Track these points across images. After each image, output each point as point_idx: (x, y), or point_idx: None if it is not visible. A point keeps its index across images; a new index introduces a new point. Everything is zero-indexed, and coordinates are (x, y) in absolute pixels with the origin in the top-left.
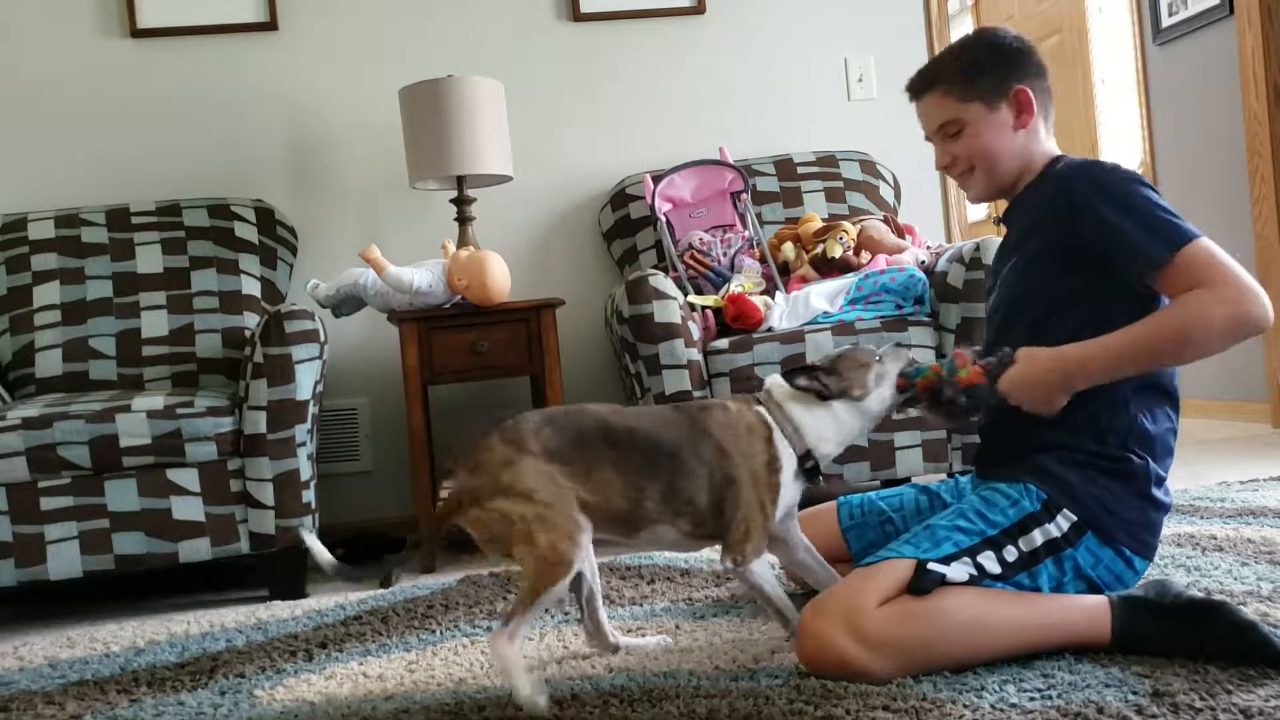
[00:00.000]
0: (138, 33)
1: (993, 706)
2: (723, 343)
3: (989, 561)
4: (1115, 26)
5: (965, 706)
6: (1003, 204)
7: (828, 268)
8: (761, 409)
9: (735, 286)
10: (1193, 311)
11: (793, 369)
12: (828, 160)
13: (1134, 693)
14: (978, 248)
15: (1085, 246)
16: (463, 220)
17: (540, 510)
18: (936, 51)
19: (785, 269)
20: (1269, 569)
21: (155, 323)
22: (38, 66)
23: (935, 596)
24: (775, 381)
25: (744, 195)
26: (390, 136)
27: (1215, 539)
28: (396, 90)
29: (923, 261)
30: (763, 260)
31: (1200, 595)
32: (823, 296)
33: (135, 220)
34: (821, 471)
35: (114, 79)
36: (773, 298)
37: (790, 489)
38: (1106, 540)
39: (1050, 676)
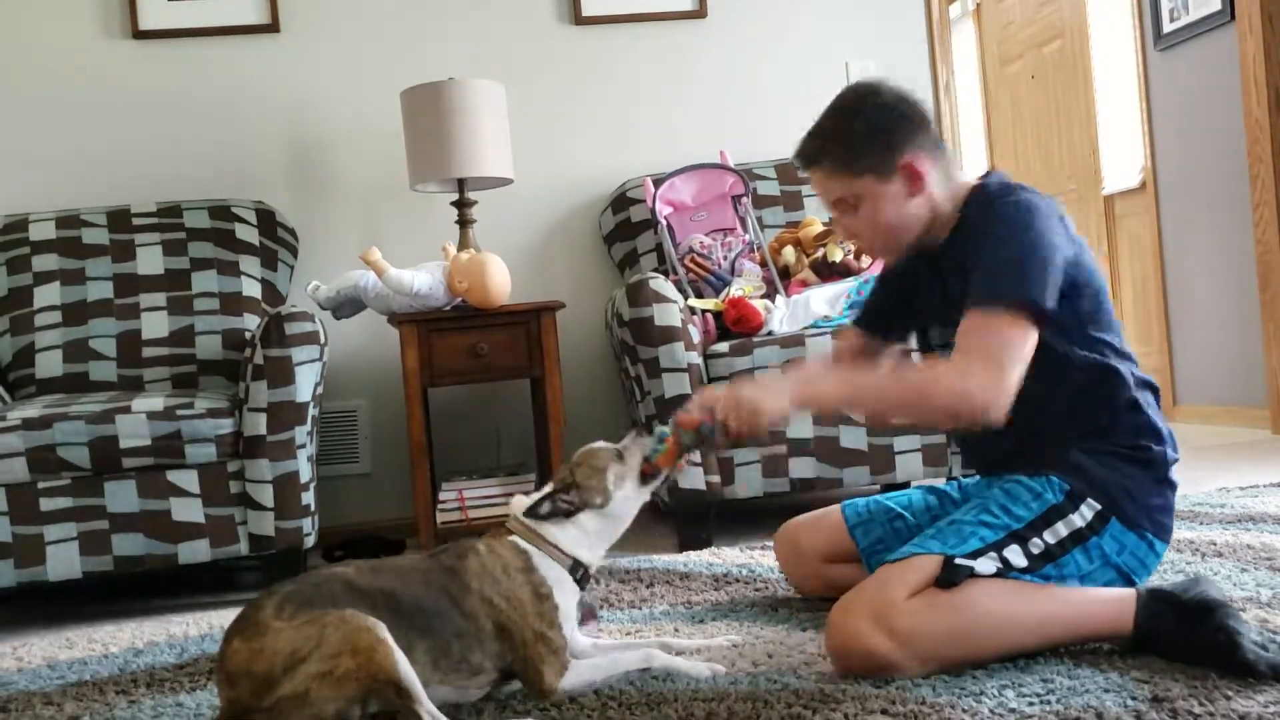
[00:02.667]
0: (140, 34)
1: (991, 711)
2: (723, 346)
3: (1015, 555)
4: (1116, 32)
5: (964, 711)
6: None
7: (828, 272)
8: (515, 539)
9: (736, 290)
10: (933, 381)
11: (534, 503)
12: None
13: (1133, 698)
14: None
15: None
16: (463, 223)
17: (317, 657)
18: (938, 56)
19: (786, 273)
20: (1269, 575)
21: (155, 324)
22: (40, 67)
23: (963, 590)
24: (521, 505)
25: (745, 199)
26: (391, 139)
27: (1215, 545)
28: (398, 92)
29: None
30: (763, 264)
31: (1213, 595)
32: (823, 300)
33: (136, 221)
34: (592, 576)
35: (116, 80)
36: (773, 301)
37: (568, 604)
38: (1130, 526)
39: (1049, 681)
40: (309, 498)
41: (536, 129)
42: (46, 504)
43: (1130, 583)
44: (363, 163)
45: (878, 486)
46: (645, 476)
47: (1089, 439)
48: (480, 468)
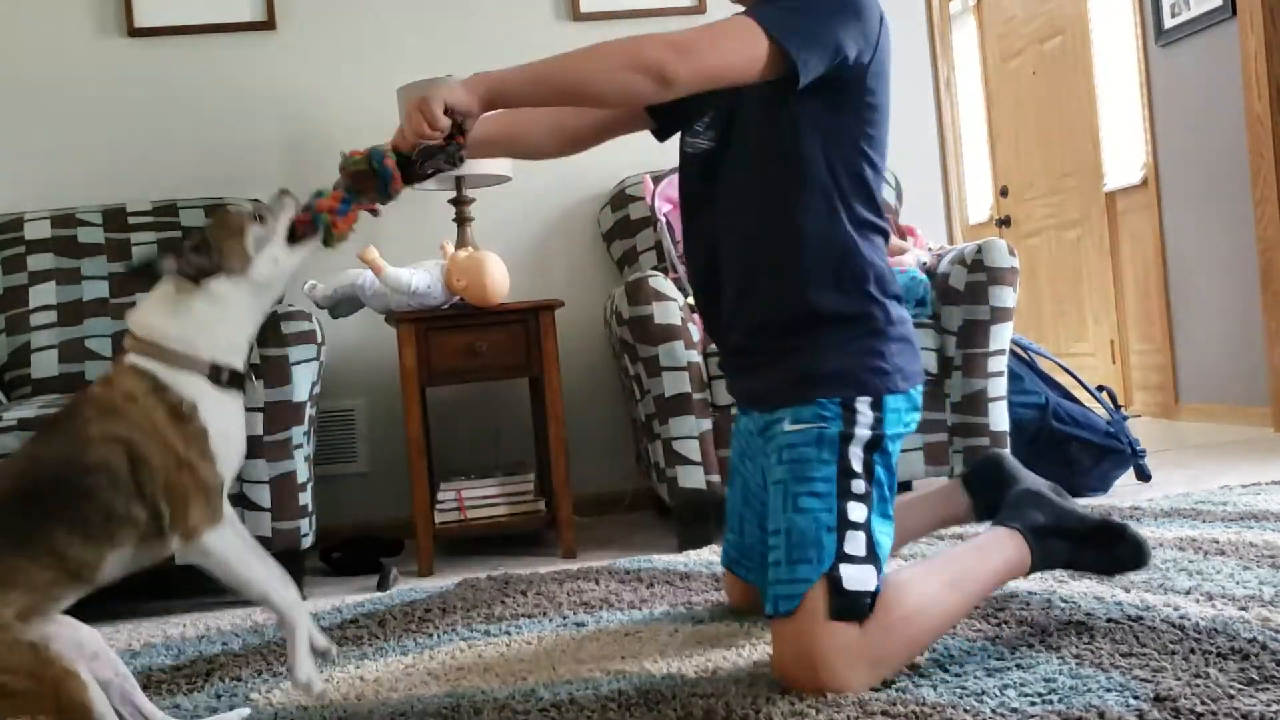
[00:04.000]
0: (135, 32)
1: (994, 711)
2: None
3: (857, 510)
4: (1118, 28)
5: (966, 711)
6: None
7: None
8: (132, 358)
9: None
10: (612, 41)
11: (157, 256)
12: None
13: (1135, 697)
14: (979, 250)
15: None
16: (461, 221)
17: None
18: (939, 52)
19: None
20: (1271, 573)
21: None
22: (35, 65)
23: (880, 606)
24: (134, 319)
25: None
26: (388, 135)
27: (1217, 543)
28: (395, 89)
29: (924, 263)
30: None
31: (1100, 517)
32: None
33: (132, 220)
34: (245, 375)
35: (111, 78)
36: None
37: (226, 418)
38: (899, 392)
39: (1051, 681)
40: (306, 498)
41: None
42: None
43: None
44: None
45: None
46: (297, 234)
47: (831, 323)
48: (479, 467)
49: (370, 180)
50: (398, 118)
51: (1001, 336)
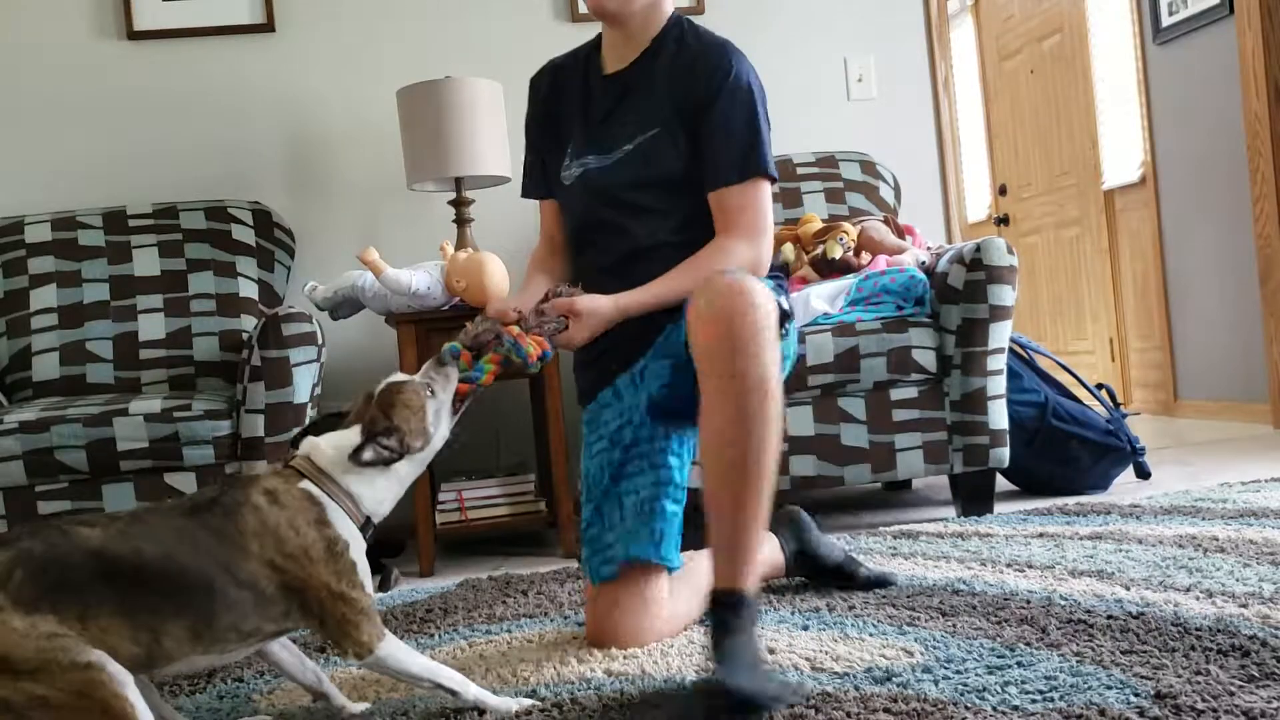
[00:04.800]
0: (135, 34)
1: (994, 709)
2: None
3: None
4: (1116, 26)
5: (967, 709)
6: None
7: (828, 269)
8: (307, 485)
9: None
10: (712, 262)
11: (354, 449)
12: (827, 161)
13: (1136, 694)
14: (979, 249)
15: (697, 133)
16: (461, 222)
17: (38, 683)
18: (937, 51)
19: (785, 270)
20: (1271, 570)
21: (152, 326)
22: (35, 68)
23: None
24: (316, 446)
25: None
26: (388, 138)
27: (1217, 540)
28: (394, 91)
29: (923, 262)
30: None
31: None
32: (823, 298)
33: (132, 223)
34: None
35: (111, 80)
36: None
37: (365, 566)
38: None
39: (1052, 679)
40: None
41: None
42: (44, 507)
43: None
44: (359, 162)
45: (879, 485)
46: (455, 405)
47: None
48: (479, 468)
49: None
50: (397, 119)
51: (1000, 335)
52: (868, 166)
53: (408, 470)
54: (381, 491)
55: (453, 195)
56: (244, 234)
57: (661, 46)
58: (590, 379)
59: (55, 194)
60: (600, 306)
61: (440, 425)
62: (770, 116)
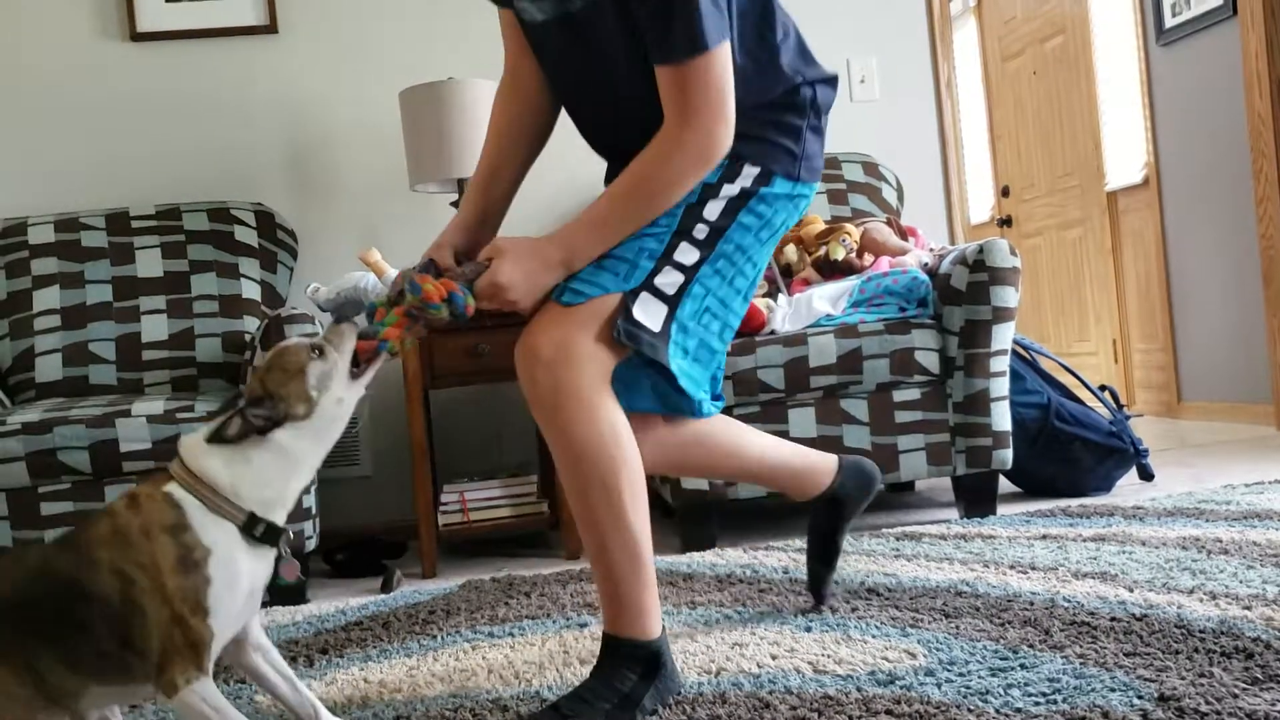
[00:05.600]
0: (138, 36)
1: (998, 711)
2: None
3: (685, 254)
4: (1118, 27)
5: (970, 711)
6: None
7: (830, 270)
8: (172, 488)
9: None
10: (659, 161)
11: (217, 423)
12: (830, 163)
13: (1139, 697)
14: (981, 250)
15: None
16: None
17: None
18: (939, 53)
19: (788, 271)
20: (1275, 572)
21: (155, 327)
22: (38, 70)
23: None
24: (186, 443)
25: None
26: (391, 139)
27: (1220, 542)
28: (397, 93)
29: (926, 264)
30: None
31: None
32: (825, 299)
33: (135, 224)
34: (283, 529)
35: (114, 82)
36: (775, 300)
37: (237, 573)
38: (789, 178)
39: (1055, 681)
40: (310, 500)
41: None
42: (47, 508)
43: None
44: (362, 164)
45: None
46: (359, 361)
47: (755, 107)
48: (481, 469)
49: (443, 320)
50: (400, 120)
51: (1003, 336)
52: (870, 168)
53: (296, 443)
54: (265, 473)
55: (455, 196)
56: (247, 235)
57: None
58: None
59: (58, 195)
60: (528, 241)
61: (330, 389)
62: None
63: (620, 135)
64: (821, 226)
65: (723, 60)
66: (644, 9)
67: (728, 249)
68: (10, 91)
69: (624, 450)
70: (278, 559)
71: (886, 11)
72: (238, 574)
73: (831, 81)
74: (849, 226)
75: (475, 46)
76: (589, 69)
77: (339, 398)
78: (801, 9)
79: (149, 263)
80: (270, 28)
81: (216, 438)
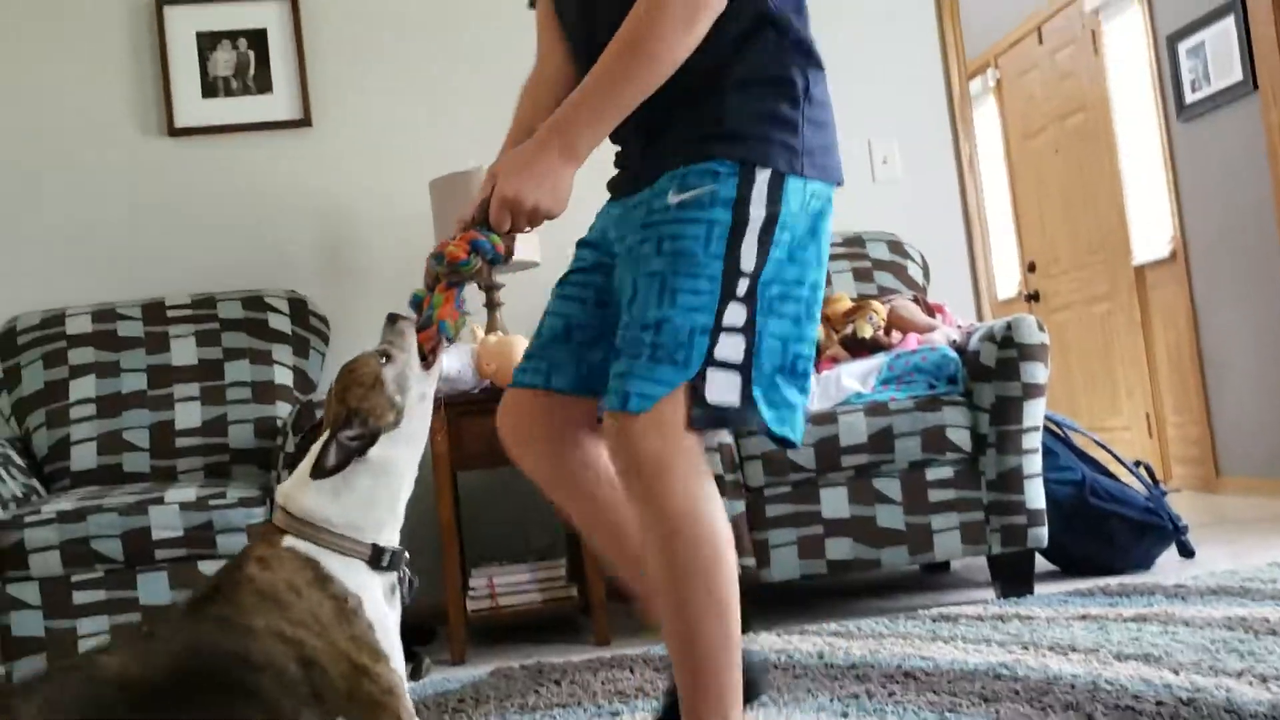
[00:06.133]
0: (175, 131)
1: None
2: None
3: (736, 316)
4: (1138, 104)
5: None
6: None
7: (858, 348)
8: (292, 541)
9: None
10: (641, 20)
11: (312, 459)
12: (855, 241)
13: None
14: (1009, 326)
15: None
16: (491, 306)
17: None
18: (960, 132)
19: (815, 349)
20: None
21: (188, 414)
22: (78, 162)
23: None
24: (285, 492)
25: None
26: (421, 227)
27: (1268, 622)
28: (427, 181)
29: (954, 340)
30: None
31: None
32: (854, 377)
33: (171, 313)
34: (401, 551)
35: (152, 175)
36: None
37: (385, 612)
38: (797, 173)
39: None
40: None
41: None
42: (80, 597)
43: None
44: (392, 251)
45: (916, 568)
46: (425, 354)
47: (745, 83)
48: (509, 552)
49: (481, 271)
50: (430, 210)
51: (1034, 412)
52: (895, 246)
53: (393, 452)
54: (373, 494)
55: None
56: (280, 322)
57: None
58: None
59: (96, 285)
60: (519, 147)
61: (410, 388)
62: None
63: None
64: (848, 304)
65: None
66: None
67: (772, 291)
68: (53, 183)
69: (722, 531)
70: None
71: (907, 93)
72: (386, 612)
73: (821, 66)
74: (876, 304)
75: (501, 134)
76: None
77: (420, 394)
78: None
79: (183, 351)
80: (304, 121)
81: (319, 472)
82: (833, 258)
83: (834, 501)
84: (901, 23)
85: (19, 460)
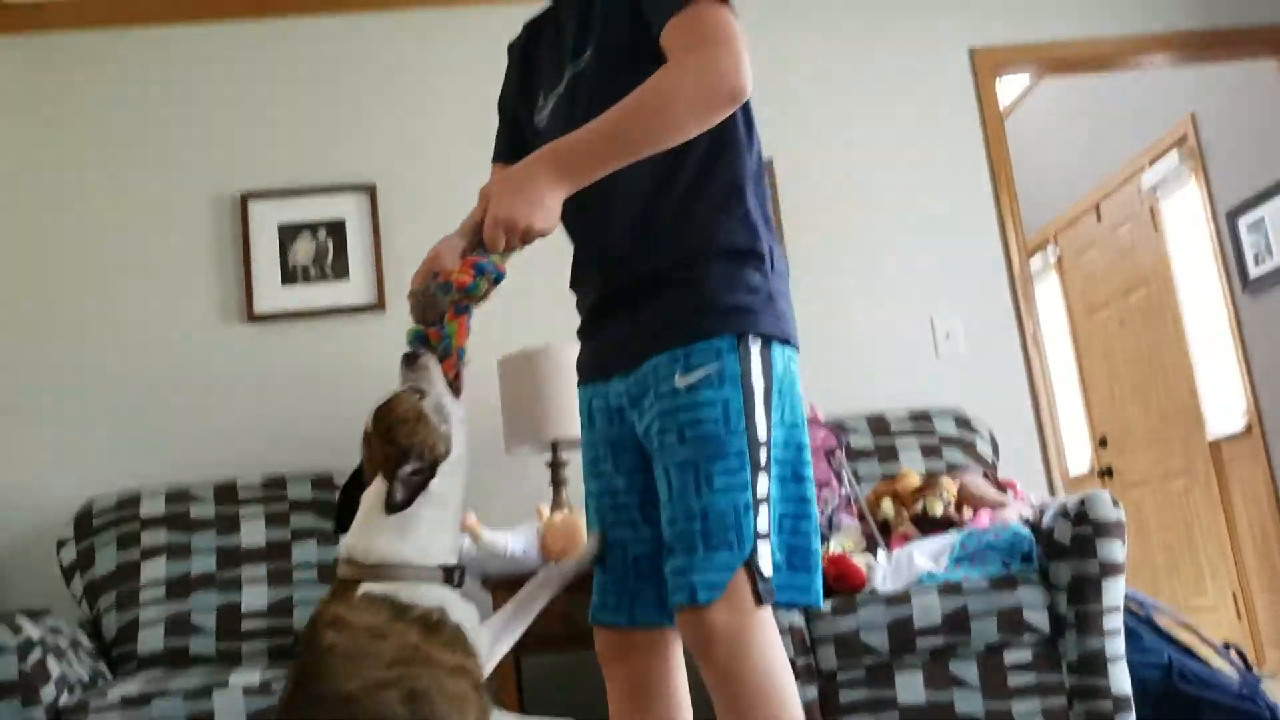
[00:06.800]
0: (254, 317)
1: None
2: (825, 605)
3: (763, 484)
4: (1202, 277)
5: None
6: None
7: (930, 525)
8: (365, 587)
9: (835, 546)
10: (664, 80)
11: (385, 497)
12: (921, 417)
13: None
14: (1083, 502)
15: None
16: (557, 484)
17: None
18: (1024, 309)
19: (885, 527)
20: None
21: (255, 597)
22: (159, 349)
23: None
24: (348, 545)
25: (838, 453)
26: (488, 404)
27: None
28: (495, 360)
29: (1026, 517)
30: (861, 518)
31: None
32: (926, 555)
33: (242, 495)
34: (462, 567)
35: (229, 360)
36: (874, 557)
37: (465, 607)
38: (781, 339)
39: None
40: None
41: None
42: None
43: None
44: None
45: None
46: (450, 382)
47: (724, 256)
48: None
49: (487, 293)
50: (497, 386)
51: (1114, 592)
52: (962, 421)
53: (451, 485)
54: (438, 523)
55: (549, 458)
56: None
57: None
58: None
59: (171, 467)
60: (511, 169)
61: (450, 416)
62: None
63: (611, 234)
64: (917, 481)
65: (730, 11)
66: None
67: (775, 454)
68: (130, 366)
69: (795, 709)
70: None
71: (968, 270)
72: (470, 613)
73: (777, 237)
74: (945, 480)
75: (570, 313)
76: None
77: (460, 418)
78: (886, 269)
79: (253, 532)
80: (379, 305)
81: (392, 508)
82: (900, 433)
83: (910, 687)
84: (959, 197)
85: (87, 643)
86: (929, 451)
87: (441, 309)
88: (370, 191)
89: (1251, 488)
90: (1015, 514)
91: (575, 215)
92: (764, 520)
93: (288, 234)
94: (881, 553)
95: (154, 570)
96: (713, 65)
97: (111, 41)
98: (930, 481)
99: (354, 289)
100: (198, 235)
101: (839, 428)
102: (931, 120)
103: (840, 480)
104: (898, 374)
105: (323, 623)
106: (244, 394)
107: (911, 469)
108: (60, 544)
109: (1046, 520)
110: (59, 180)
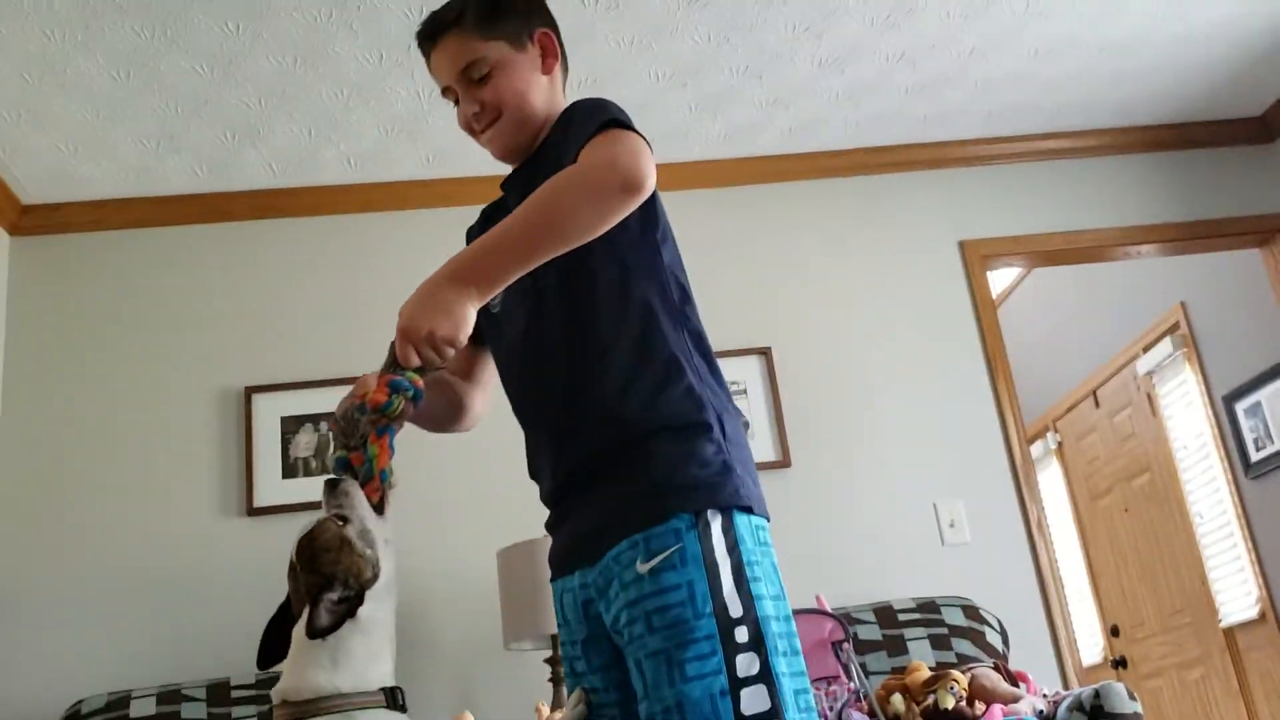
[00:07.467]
0: (253, 511)
1: None
2: None
3: (749, 665)
4: (1204, 462)
5: None
6: None
7: (941, 719)
8: None
9: None
10: (560, 174)
11: (307, 625)
12: (929, 607)
13: None
14: (1098, 695)
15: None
16: (556, 681)
17: None
18: (1026, 494)
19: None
20: None
21: None
22: (154, 545)
23: None
24: (282, 689)
25: (846, 644)
26: (486, 598)
27: None
28: (494, 552)
29: (1040, 710)
30: (871, 714)
31: None
32: None
33: (235, 694)
34: (400, 688)
35: (225, 555)
36: None
37: None
38: (744, 509)
39: None
40: None
41: None
42: None
43: None
44: (457, 624)
45: None
46: (374, 504)
47: (673, 431)
48: None
49: (405, 410)
50: (495, 579)
51: None
52: (970, 611)
53: (382, 609)
54: (369, 648)
55: (549, 653)
56: None
57: (547, 138)
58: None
59: (162, 665)
60: (417, 288)
61: (375, 540)
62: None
63: (554, 421)
64: (927, 674)
65: (640, 137)
66: (570, 129)
67: (770, 629)
68: (123, 562)
69: None
70: None
71: (968, 457)
72: None
73: (734, 408)
74: (956, 673)
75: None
76: (544, 341)
77: (384, 540)
78: (888, 456)
79: None
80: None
81: (314, 632)
82: (908, 624)
83: None
84: (956, 386)
85: None
86: (938, 643)
87: (363, 431)
88: None
89: (1271, 678)
90: (1029, 708)
91: (519, 405)
92: (757, 702)
93: (290, 426)
94: None
95: None
96: (605, 156)
97: (124, 240)
98: (940, 674)
99: None
100: (201, 428)
101: (846, 618)
102: (926, 309)
103: (849, 674)
104: (903, 562)
105: None
106: (238, 589)
107: (921, 661)
108: None
109: (1061, 714)
110: (72, 374)
